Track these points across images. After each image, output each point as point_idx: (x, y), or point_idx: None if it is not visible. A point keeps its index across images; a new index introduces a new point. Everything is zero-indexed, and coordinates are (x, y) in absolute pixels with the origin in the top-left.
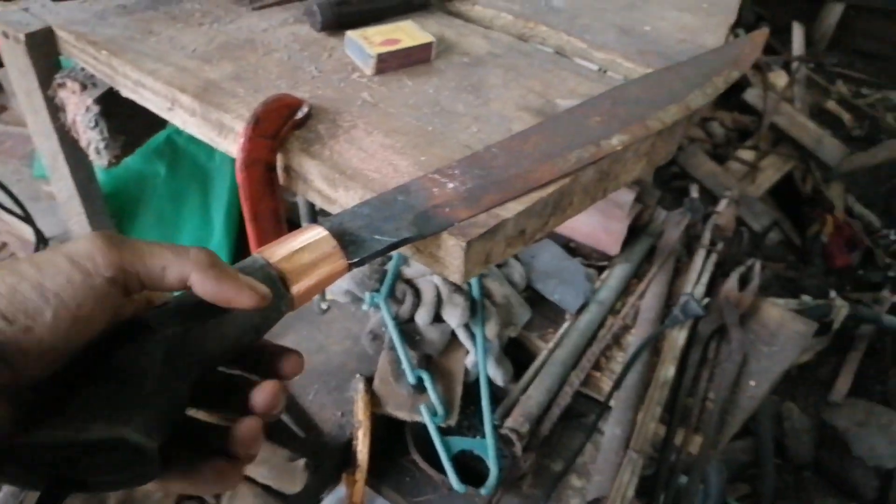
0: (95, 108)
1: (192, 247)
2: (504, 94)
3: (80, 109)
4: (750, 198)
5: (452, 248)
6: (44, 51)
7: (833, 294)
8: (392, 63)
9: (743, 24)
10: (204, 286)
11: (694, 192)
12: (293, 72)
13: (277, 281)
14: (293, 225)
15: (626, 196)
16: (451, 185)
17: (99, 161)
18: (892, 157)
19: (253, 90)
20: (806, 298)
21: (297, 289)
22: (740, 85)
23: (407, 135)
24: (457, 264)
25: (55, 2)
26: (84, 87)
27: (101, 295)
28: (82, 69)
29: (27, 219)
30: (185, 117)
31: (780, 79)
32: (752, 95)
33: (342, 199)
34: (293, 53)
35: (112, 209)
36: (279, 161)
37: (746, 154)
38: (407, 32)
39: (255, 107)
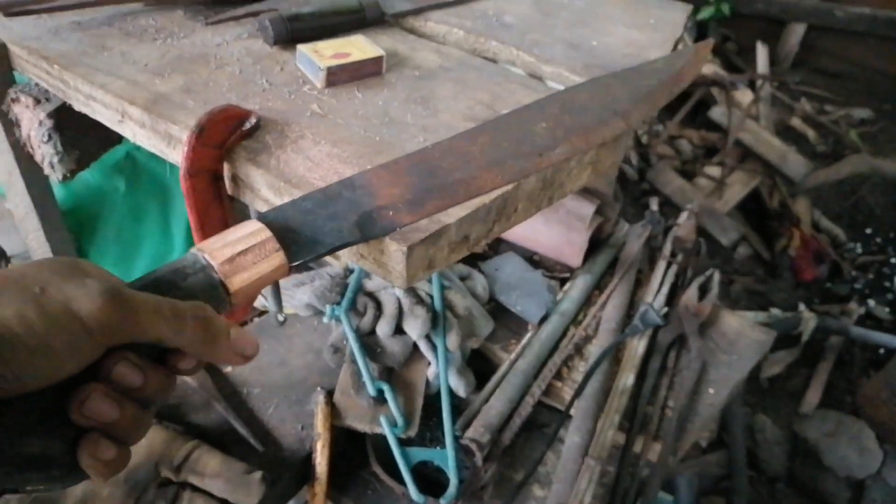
0: (49, 123)
1: (189, 313)
2: (452, 106)
3: (33, 124)
4: (717, 213)
5: (394, 254)
6: None
7: (802, 307)
8: (342, 76)
9: None
10: (198, 357)
11: (654, 206)
12: (244, 85)
13: (219, 286)
14: None
15: (587, 209)
16: (395, 187)
17: (53, 175)
18: (855, 172)
19: (202, 102)
20: (775, 311)
21: (237, 293)
22: (706, 103)
23: (354, 144)
24: (399, 269)
25: (8, 17)
26: (38, 101)
27: (91, 354)
28: (36, 84)
29: None
30: (134, 129)
31: (745, 97)
32: (717, 113)
33: None
34: (245, 67)
35: (71, 225)
36: (226, 170)
37: (713, 170)
38: (358, 47)
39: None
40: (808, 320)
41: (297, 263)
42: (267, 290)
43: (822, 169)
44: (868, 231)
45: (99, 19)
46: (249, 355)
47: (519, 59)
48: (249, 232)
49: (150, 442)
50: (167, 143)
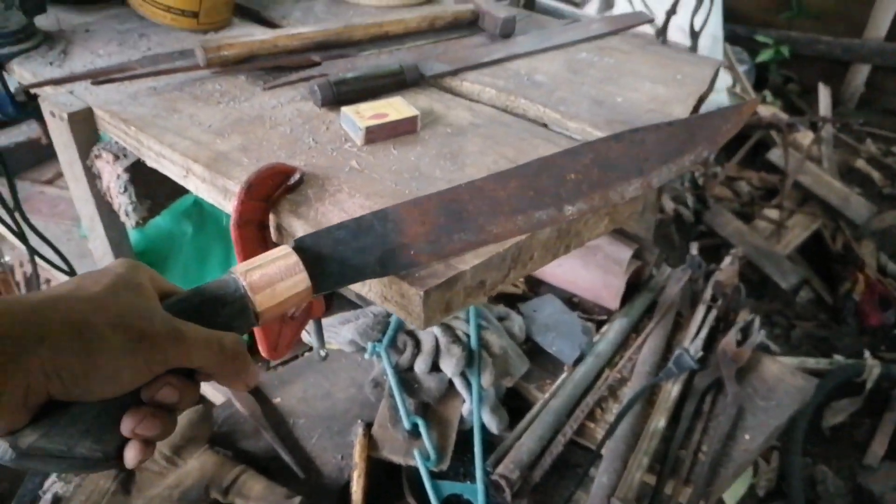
0: (125, 176)
1: (230, 348)
2: (479, 160)
3: (112, 177)
4: (777, 256)
5: (413, 297)
6: (83, 127)
7: (866, 354)
8: (380, 134)
9: (771, 85)
10: (222, 382)
11: (694, 250)
12: (293, 143)
13: (249, 306)
14: None
15: (625, 253)
16: (422, 224)
17: (128, 222)
18: None
19: (256, 160)
20: (838, 358)
21: (263, 312)
22: (766, 144)
23: (385, 197)
24: (417, 311)
25: (95, 85)
26: (116, 157)
27: (148, 378)
28: (115, 142)
29: (71, 273)
30: (197, 183)
31: (806, 139)
32: (776, 155)
33: None
34: (295, 127)
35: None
36: (272, 220)
37: (772, 213)
38: (395, 107)
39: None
40: (873, 367)
41: (322, 293)
42: (311, 327)
43: (888, 211)
44: None
45: (172, 84)
46: (251, 386)
47: (545, 116)
48: (280, 256)
49: (202, 465)
50: (224, 196)
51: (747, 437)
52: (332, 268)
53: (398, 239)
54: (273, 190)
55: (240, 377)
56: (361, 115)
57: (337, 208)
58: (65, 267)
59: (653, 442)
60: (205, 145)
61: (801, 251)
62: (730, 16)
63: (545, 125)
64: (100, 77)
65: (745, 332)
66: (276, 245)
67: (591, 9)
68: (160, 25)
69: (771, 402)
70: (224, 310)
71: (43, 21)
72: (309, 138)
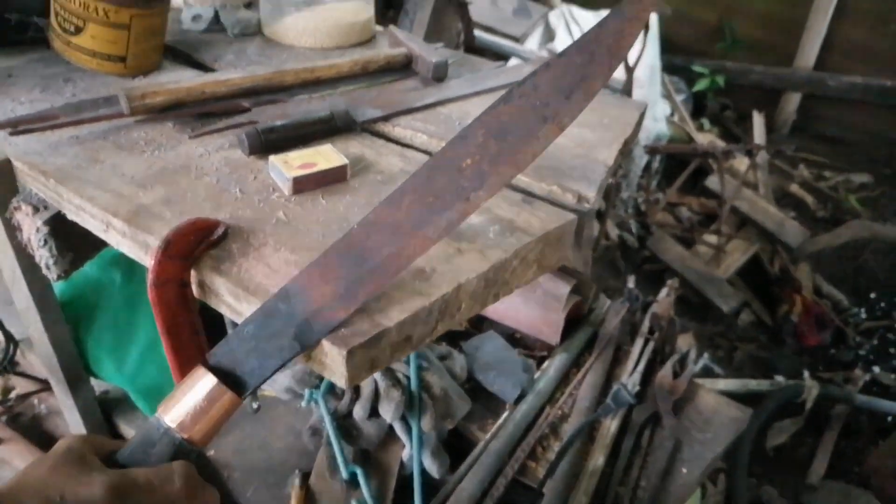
0: (45, 229)
1: (176, 472)
2: None
3: (32, 230)
4: (717, 279)
5: (336, 357)
6: (1, 179)
7: (805, 374)
8: (308, 184)
9: (708, 113)
10: None
11: (631, 283)
12: (219, 194)
13: (182, 442)
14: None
15: (563, 289)
16: (327, 283)
17: (50, 275)
18: (855, 237)
19: (179, 213)
20: (779, 378)
21: (199, 441)
22: (705, 171)
23: (311, 250)
24: (341, 371)
25: (13, 136)
26: (36, 209)
27: None
28: (35, 193)
29: None
30: (118, 238)
31: (743, 165)
32: (713, 182)
33: (246, 311)
34: (223, 176)
35: (70, 315)
36: (193, 277)
37: (712, 238)
38: (324, 156)
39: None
40: (811, 388)
41: (247, 394)
42: None
43: (821, 234)
44: (872, 296)
45: (96, 133)
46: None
47: None
48: (199, 386)
49: None
50: (145, 252)
51: (684, 470)
52: (251, 367)
53: (307, 309)
54: (194, 246)
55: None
56: (289, 165)
57: (262, 263)
58: None
59: (592, 480)
60: (126, 198)
61: (741, 274)
62: (667, 47)
63: None
64: (19, 126)
65: (682, 363)
66: (196, 302)
67: (533, 43)
68: (86, 70)
69: (707, 433)
70: (165, 450)
71: None
72: (236, 189)
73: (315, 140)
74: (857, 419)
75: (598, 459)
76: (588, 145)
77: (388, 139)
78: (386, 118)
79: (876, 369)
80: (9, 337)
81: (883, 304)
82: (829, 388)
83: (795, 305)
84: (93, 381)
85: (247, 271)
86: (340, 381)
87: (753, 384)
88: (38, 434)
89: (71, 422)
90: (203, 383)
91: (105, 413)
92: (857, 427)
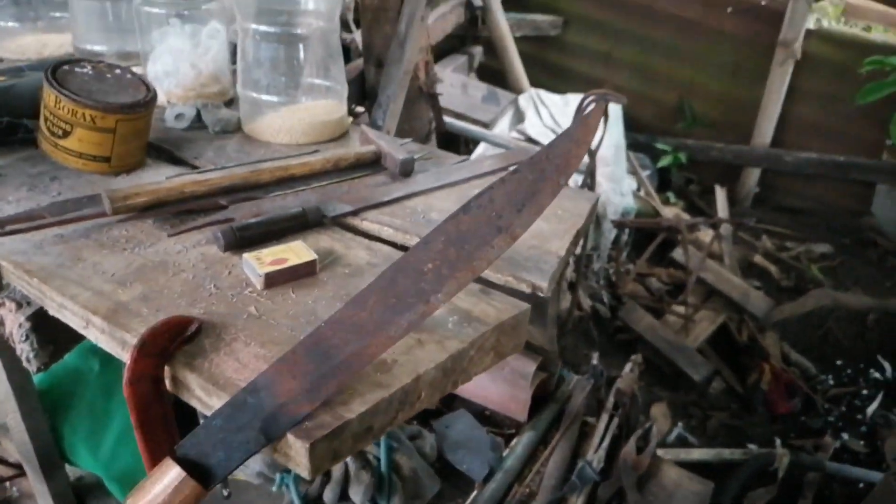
0: (27, 325)
1: None
2: None
3: (14, 325)
4: (687, 349)
5: (299, 450)
6: None
7: (777, 442)
8: (279, 279)
9: (673, 187)
10: None
11: (594, 360)
12: (194, 290)
13: None
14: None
15: (529, 367)
16: (293, 378)
17: (30, 367)
18: (819, 305)
19: (155, 310)
20: (752, 447)
21: None
22: (672, 243)
23: (280, 344)
24: (304, 462)
25: (0, 236)
26: (20, 305)
27: None
28: (19, 290)
29: None
30: (97, 335)
31: (708, 237)
32: (679, 254)
33: (216, 404)
34: (198, 272)
35: (47, 403)
36: (167, 373)
37: (681, 308)
38: (295, 251)
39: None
40: (783, 456)
41: (213, 486)
42: None
43: (786, 304)
44: (838, 363)
45: (79, 231)
46: None
47: None
48: (166, 478)
49: None
50: (122, 348)
51: None
52: (217, 458)
53: (273, 402)
54: (168, 344)
55: None
56: (262, 261)
57: (232, 358)
58: None
59: None
60: (106, 296)
61: (711, 343)
62: (631, 126)
63: None
64: (6, 227)
65: (646, 437)
66: (169, 396)
67: (504, 125)
68: (72, 169)
69: None
70: None
71: None
72: (210, 284)
73: (288, 235)
74: (829, 486)
75: None
76: (542, 237)
77: (357, 232)
78: (355, 213)
79: (845, 436)
80: None
81: (849, 371)
82: (800, 456)
83: (765, 374)
84: (67, 467)
85: (217, 366)
86: (304, 472)
87: (727, 453)
88: None
89: None
90: (170, 475)
91: (79, 498)
92: (830, 494)
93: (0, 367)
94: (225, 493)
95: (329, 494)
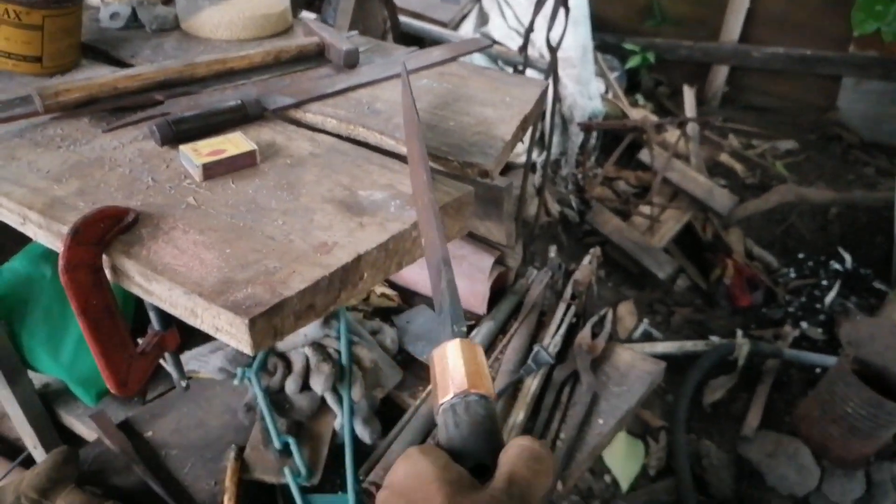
0: None
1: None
2: (314, 190)
3: None
4: (653, 249)
5: (239, 325)
6: None
7: (739, 333)
8: (218, 170)
9: (642, 89)
10: None
11: (552, 253)
12: (131, 183)
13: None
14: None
15: (487, 261)
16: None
17: None
18: (783, 201)
19: (92, 203)
20: (714, 339)
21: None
22: (639, 145)
23: (219, 231)
24: (245, 338)
25: None
26: None
27: None
28: None
29: None
30: (35, 230)
31: (674, 138)
32: (646, 155)
33: (157, 290)
34: (135, 167)
35: (2, 312)
36: (106, 262)
37: (647, 209)
38: (233, 143)
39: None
40: (742, 346)
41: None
42: (169, 360)
43: (750, 200)
44: (800, 256)
45: (12, 132)
46: None
47: (382, 142)
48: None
49: None
50: (60, 242)
51: (601, 421)
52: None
53: None
54: (104, 233)
55: None
56: (199, 153)
57: (170, 245)
58: None
59: (513, 434)
60: (41, 192)
61: (676, 242)
62: (599, 26)
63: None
64: None
65: (601, 325)
66: (109, 285)
67: (468, 27)
68: (3, 72)
69: (623, 387)
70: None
71: None
72: (148, 178)
73: (227, 129)
74: (787, 373)
75: (519, 415)
76: (488, 123)
77: (300, 125)
78: (297, 105)
79: (804, 325)
80: None
81: (811, 264)
82: (759, 345)
83: (727, 269)
84: (32, 375)
85: (156, 253)
86: (246, 347)
87: (690, 345)
88: None
89: (14, 415)
90: (451, 349)
91: (46, 405)
92: (788, 380)
93: None
94: (183, 384)
95: (291, 385)
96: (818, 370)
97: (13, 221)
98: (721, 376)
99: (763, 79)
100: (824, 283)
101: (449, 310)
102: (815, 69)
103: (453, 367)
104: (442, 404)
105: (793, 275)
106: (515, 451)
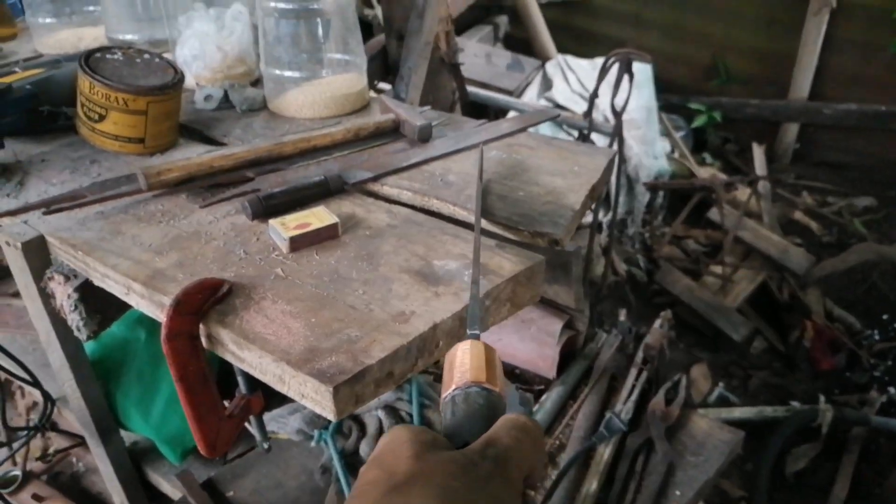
0: (75, 295)
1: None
2: (392, 260)
3: (64, 297)
4: (727, 309)
5: (324, 393)
6: (36, 253)
7: (821, 398)
8: (303, 242)
9: (710, 147)
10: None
11: (622, 316)
12: (225, 255)
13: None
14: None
15: (556, 325)
16: None
17: (80, 336)
18: (863, 260)
19: (190, 275)
20: (795, 404)
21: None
22: (708, 204)
23: (305, 301)
24: (329, 405)
25: (46, 215)
26: (67, 278)
27: None
28: (66, 264)
29: (35, 383)
30: (137, 300)
31: (745, 196)
32: (715, 214)
33: (248, 357)
34: (229, 240)
35: (100, 372)
36: (202, 331)
37: (719, 269)
38: (318, 216)
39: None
40: (826, 412)
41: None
42: (253, 422)
43: (828, 259)
44: (884, 317)
45: (118, 208)
46: None
47: (455, 213)
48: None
49: None
50: (161, 311)
51: (678, 492)
52: None
53: None
54: (202, 303)
55: None
56: (286, 226)
57: (261, 315)
58: (28, 377)
59: None
60: (144, 264)
61: (751, 303)
62: (663, 87)
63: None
64: (52, 206)
65: (675, 390)
66: (205, 353)
67: (532, 94)
68: (110, 151)
69: (700, 456)
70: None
71: (1, 154)
72: (240, 250)
73: (311, 203)
74: (875, 441)
75: (592, 484)
76: (557, 192)
77: (377, 197)
78: (375, 179)
79: (892, 390)
80: (46, 396)
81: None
82: (844, 411)
83: (807, 331)
84: (123, 433)
85: (248, 322)
86: (329, 414)
87: (769, 411)
88: (77, 491)
89: (104, 472)
90: (462, 348)
91: (135, 462)
92: (876, 449)
93: (54, 337)
94: (265, 445)
95: (365, 448)
96: None
97: (118, 292)
98: (804, 444)
99: (836, 135)
100: None
101: (468, 315)
102: (890, 125)
103: (460, 363)
104: (444, 398)
105: (877, 337)
106: (501, 421)
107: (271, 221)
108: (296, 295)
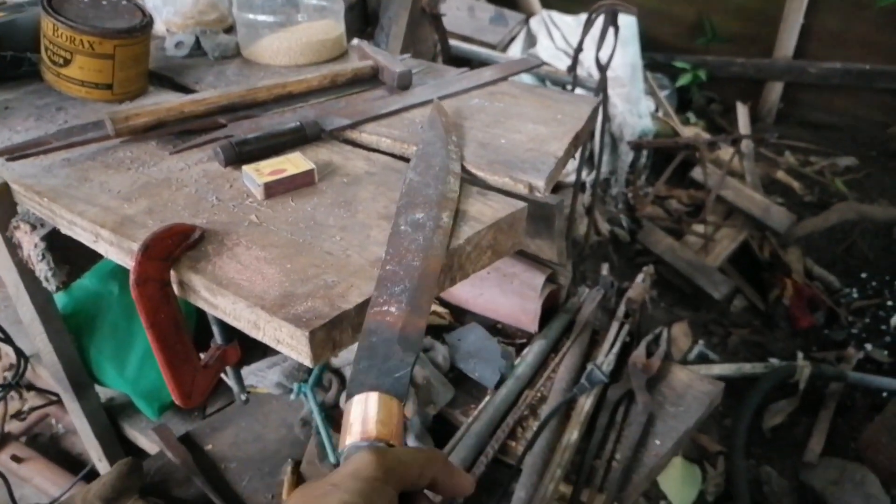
0: (42, 245)
1: (430, 454)
2: (370, 206)
3: (31, 246)
4: (708, 268)
5: (300, 338)
6: (1, 201)
7: (799, 355)
8: (279, 188)
9: (694, 107)
10: (445, 489)
11: (605, 271)
12: (197, 202)
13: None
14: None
15: (538, 279)
16: (394, 310)
17: (49, 287)
18: (843, 219)
19: (160, 221)
20: (773, 361)
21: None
22: (692, 163)
23: (279, 247)
24: (305, 350)
25: (10, 161)
26: (34, 227)
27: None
28: (32, 212)
29: (6, 339)
30: (106, 247)
31: (728, 155)
32: (698, 173)
33: (221, 304)
34: (200, 187)
35: (72, 326)
36: (174, 277)
37: (701, 228)
38: (293, 162)
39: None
40: (803, 368)
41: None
42: (230, 374)
43: (809, 218)
44: (863, 276)
45: (86, 154)
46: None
47: None
48: (370, 404)
49: None
50: (130, 258)
51: (658, 442)
52: (389, 383)
53: (393, 332)
54: (172, 249)
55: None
56: (261, 172)
57: (234, 261)
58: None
59: (567, 454)
60: (112, 210)
61: (732, 262)
62: (648, 45)
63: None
64: (15, 153)
65: (656, 343)
66: (177, 300)
67: (515, 49)
68: (77, 98)
69: (680, 407)
70: None
71: None
72: (213, 197)
73: (286, 150)
74: (851, 397)
75: (572, 435)
76: (540, 139)
77: (356, 145)
78: (353, 126)
79: (868, 347)
80: (19, 353)
81: (874, 283)
82: (822, 368)
83: (786, 289)
84: (98, 388)
85: (220, 269)
86: (306, 359)
87: (748, 368)
88: (56, 452)
89: (81, 428)
90: (370, 401)
91: (111, 418)
92: (852, 404)
93: (23, 289)
94: (243, 398)
95: (344, 401)
96: (885, 394)
97: (86, 239)
98: (782, 400)
99: (819, 95)
100: (889, 303)
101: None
102: (874, 84)
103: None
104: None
105: (855, 295)
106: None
107: (245, 168)
108: (271, 241)
